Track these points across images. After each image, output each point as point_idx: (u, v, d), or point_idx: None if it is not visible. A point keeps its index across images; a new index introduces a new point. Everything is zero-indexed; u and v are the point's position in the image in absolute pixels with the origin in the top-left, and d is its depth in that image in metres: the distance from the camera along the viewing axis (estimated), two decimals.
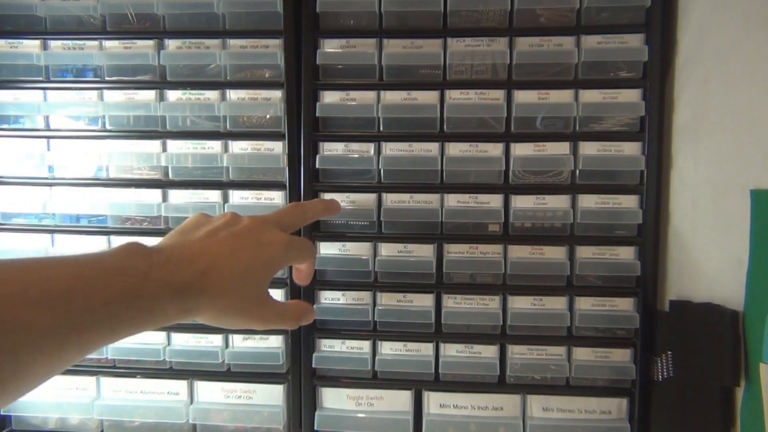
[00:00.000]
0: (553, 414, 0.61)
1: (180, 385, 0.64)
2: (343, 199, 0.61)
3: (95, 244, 0.64)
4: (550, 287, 0.60)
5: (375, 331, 0.62)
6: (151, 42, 0.62)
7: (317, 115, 0.60)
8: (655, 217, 0.58)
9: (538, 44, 0.58)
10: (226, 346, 0.64)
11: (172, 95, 0.62)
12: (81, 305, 0.29)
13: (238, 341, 0.64)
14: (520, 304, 0.60)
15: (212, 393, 0.64)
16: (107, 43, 0.62)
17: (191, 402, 0.64)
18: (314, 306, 0.61)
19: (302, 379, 0.63)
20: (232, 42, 0.61)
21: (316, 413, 0.62)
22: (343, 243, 0.61)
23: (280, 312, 0.42)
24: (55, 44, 0.63)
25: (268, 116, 0.62)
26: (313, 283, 0.62)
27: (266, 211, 0.62)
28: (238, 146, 0.62)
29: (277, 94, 0.61)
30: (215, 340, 0.63)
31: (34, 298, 0.27)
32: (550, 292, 0.60)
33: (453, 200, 0.60)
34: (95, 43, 0.62)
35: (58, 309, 0.28)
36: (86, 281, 0.29)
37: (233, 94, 0.62)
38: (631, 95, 0.58)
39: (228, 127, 0.62)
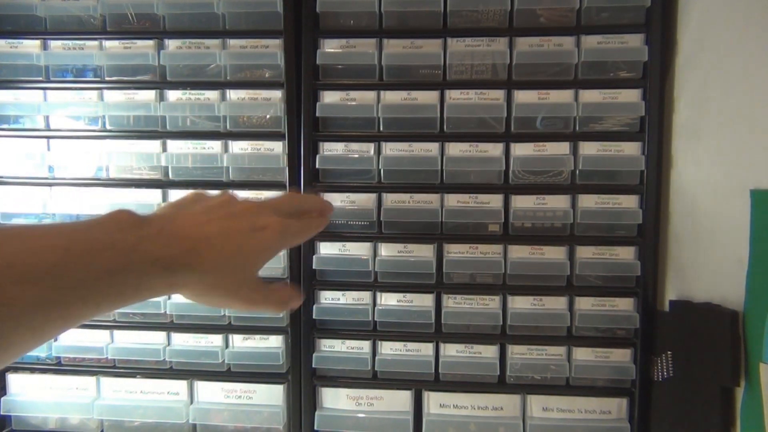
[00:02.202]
0: (553, 414, 0.61)
1: (180, 385, 0.64)
2: (343, 199, 0.61)
3: None
4: (550, 287, 0.60)
5: (375, 331, 0.62)
6: (151, 42, 0.62)
7: (317, 115, 0.60)
8: (655, 217, 0.58)
9: (538, 44, 0.58)
10: (226, 346, 0.64)
11: (172, 95, 0.62)
12: (67, 282, 0.28)
13: (238, 341, 0.64)
14: (520, 304, 0.60)
15: (212, 393, 0.64)
16: (107, 43, 0.62)
17: (191, 402, 0.64)
18: (314, 306, 0.61)
19: (302, 379, 0.63)
20: (232, 42, 0.61)
21: (316, 413, 0.62)
22: (343, 243, 0.61)
23: (265, 295, 0.42)
24: (55, 44, 0.63)
25: (268, 116, 0.62)
26: (313, 282, 0.62)
27: None
28: (238, 146, 0.62)
29: (277, 94, 0.61)
30: (215, 340, 0.63)
31: (19, 273, 0.26)
32: (550, 292, 0.60)
33: (453, 200, 0.60)
34: (95, 43, 0.62)
35: (44, 285, 0.27)
36: (73, 256, 0.29)
37: (233, 94, 0.62)
38: (631, 95, 0.58)
39: (228, 127, 0.62)
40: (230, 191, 0.43)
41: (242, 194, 0.62)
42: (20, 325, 0.26)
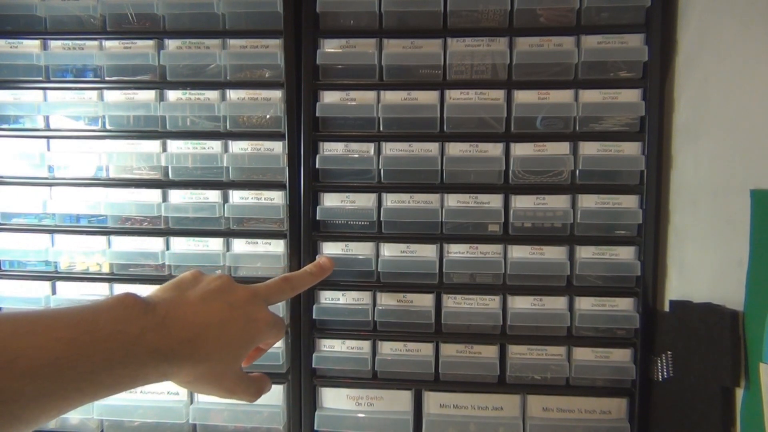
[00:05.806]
0: (553, 414, 0.61)
1: None
2: (343, 199, 0.61)
3: (95, 244, 0.64)
4: (550, 287, 0.60)
5: (375, 331, 0.62)
6: (151, 42, 0.62)
7: (317, 115, 0.60)
8: (655, 217, 0.58)
9: (538, 44, 0.58)
10: None
11: (172, 95, 0.62)
12: (67, 375, 0.28)
13: None
14: (520, 304, 0.60)
15: None
16: (107, 43, 0.62)
17: (191, 402, 0.64)
18: (314, 306, 0.61)
19: (302, 379, 0.63)
20: (232, 42, 0.61)
21: (316, 413, 0.62)
22: (345, 243, 0.61)
23: (245, 387, 0.43)
24: (55, 44, 0.63)
25: (268, 116, 0.62)
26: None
27: (266, 211, 0.62)
28: (238, 146, 0.62)
29: (277, 94, 0.61)
30: None
31: (22, 369, 0.26)
32: (550, 292, 0.60)
33: (453, 200, 0.60)
34: (95, 43, 0.62)
35: (45, 380, 0.27)
36: (76, 348, 0.29)
37: (233, 94, 0.62)
38: (631, 95, 0.58)
39: (228, 127, 0.62)
40: (225, 275, 0.44)
41: (242, 193, 0.62)
42: (16, 419, 0.26)
